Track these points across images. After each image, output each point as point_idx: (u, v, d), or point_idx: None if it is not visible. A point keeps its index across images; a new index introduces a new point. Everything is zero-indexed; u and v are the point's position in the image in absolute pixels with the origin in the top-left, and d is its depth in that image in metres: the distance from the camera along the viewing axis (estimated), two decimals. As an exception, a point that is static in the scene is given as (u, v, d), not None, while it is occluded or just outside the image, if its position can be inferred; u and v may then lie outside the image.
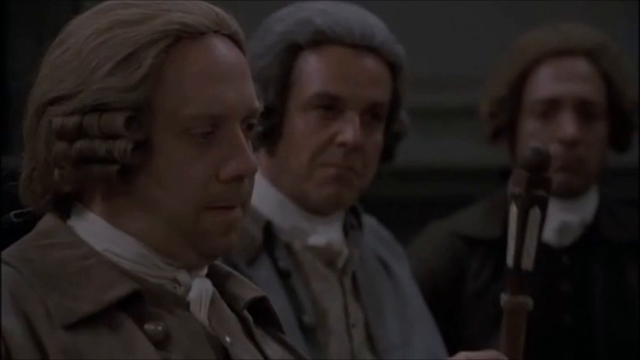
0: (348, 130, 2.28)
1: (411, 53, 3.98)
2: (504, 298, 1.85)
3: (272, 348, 1.74)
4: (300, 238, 2.37)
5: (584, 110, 2.83)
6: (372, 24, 2.33)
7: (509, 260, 1.86)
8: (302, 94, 2.33)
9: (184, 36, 1.61)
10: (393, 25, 3.88)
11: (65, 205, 1.67)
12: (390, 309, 2.41)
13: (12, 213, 1.71)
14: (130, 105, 1.60)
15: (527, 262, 1.86)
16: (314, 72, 2.31)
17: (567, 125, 2.80)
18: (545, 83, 2.84)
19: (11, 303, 1.58)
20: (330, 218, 2.37)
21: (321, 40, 2.30)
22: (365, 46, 2.29)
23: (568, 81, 2.83)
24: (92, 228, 1.65)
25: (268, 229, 2.29)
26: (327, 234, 2.36)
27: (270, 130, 2.35)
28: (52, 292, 1.59)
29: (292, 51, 2.31)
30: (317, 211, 2.36)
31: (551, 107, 2.83)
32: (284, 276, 2.32)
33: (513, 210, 1.85)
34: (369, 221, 2.54)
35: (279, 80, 2.33)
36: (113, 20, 1.62)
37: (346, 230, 2.43)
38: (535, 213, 1.85)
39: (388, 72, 2.33)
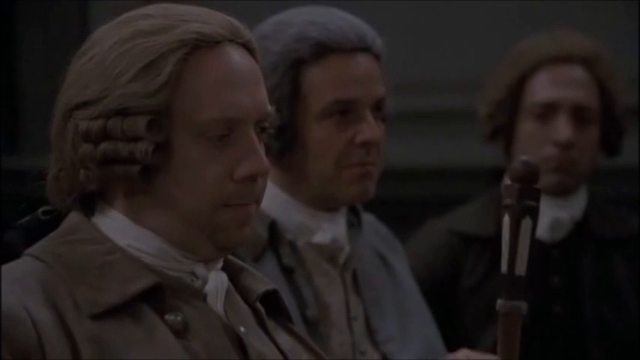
0: (366, 128, 2.31)
1: (411, 57, 3.92)
2: (499, 302, 1.87)
3: (282, 337, 1.77)
4: (305, 236, 2.37)
5: (578, 115, 2.85)
6: (359, 25, 2.35)
7: (504, 267, 1.89)
8: (316, 105, 2.35)
9: (201, 45, 1.64)
10: (394, 30, 3.94)
11: (89, 203, 1.70)
12: (388, 302, 2.42)
13: (40, 210, 1.74)
14: (151, 109, 1.63)
15: (521, 268, 1.89)
16: (323, 82, 2.32)
17: (562, 128, 2.83)
18: (542, 88, 2.86)
19: (43, 295, 1.61)
20: (335, 214, 2.39)
21: (322, 51, 2.31)
22: (360, 48, 2.31)
23: (564, 86, 2.85)
24: (115, 224, 1.68)
25: (273, 227, 2.31)
26: (332, 230, 2.38)
27: (286, 145, 2.37)
28: (79, 284, 1.63)
29: (297, 67, 2.33)
30: (318, 206, 2.37)
31: (547, 110, 2.85)
32: (288, 272, 2.34)
33: (506, 220, 1.89)
34: (368, 218, 2.55)
35: (292, 97, 2.35)
36: (135, 30, 1.65)
37: (348, 226, 2.44)
38: (526, 222, 1.89)
39: (378, 66, 2.36)
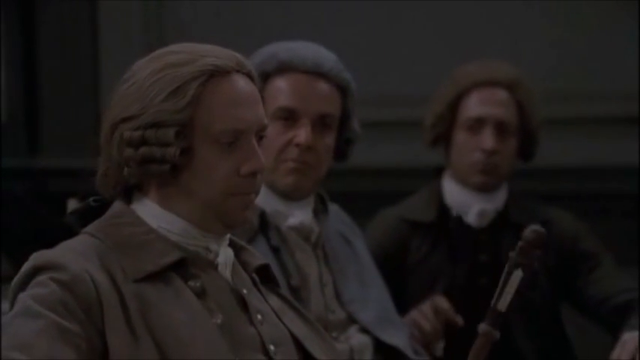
0: (302, 134, 2.36)
1: (378, 78, 3.92)
2: (481, 325, 1.95)
3: (273, 299, 1.93)
4: (282, 220, 2.41)
5: (501, 128, 2.90)
6: (322, 56, 2.40)
7: (493, 300, 1.95)
8: (270, 109, 2.36)
9: (216, 74, 1.81)
10: (358, 55, 3.83)
11: (129, 194, 1.87)
12: (351, 272, 2.47)
13: (90, 199, 1.91)
14: (178, 122, 1.80)
15: (503, 305, 1.95)
16: (277, 92, 2.38)
17: (488, 139, 2.89)
18: (473, 105, 2.92)
19: (99, 263, 1.78)
20: (302, 204, 2.43)
21: (283, 68, 2.38)
22: (316, 73, 2.37)
23: (491, 105, 2.91)
24: (149, 211, 1.85)
25: (262, 216, 2.37)
26: (300, 216, 2.42)
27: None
28: (124, 256, 1.80)
29: (264, 78, 2.34)
30: (286, 196, 2.42)
31: (477, 124, 2.91)
32: (275, 251, 2.38)
33: (506, 266, 1.96)
34: (333, 207, 2.58)
35: None
36: (164, 63, 1.82)
37: (316, 214, 2.48)
38: (517, 273, 1.95)
39: (337, 92, 2.40)
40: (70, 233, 1.85)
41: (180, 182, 1.82)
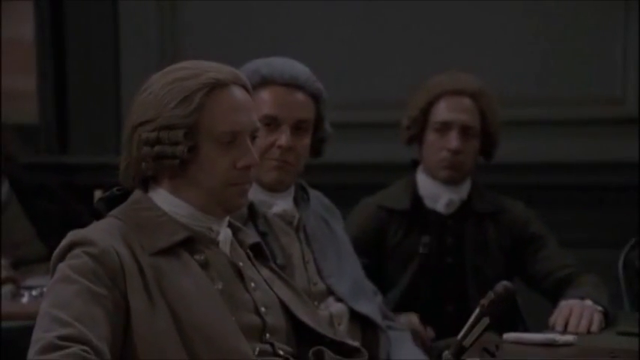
0: (283, 137, 2.42)
1: (361, 85, 3.99)
2: (445, 353, 1.99)
3: (264, 271, 2.04)
4: (267, 208, 2.44)
5: (465, 131, 2.96)
6: (297, 70, 2.44)
7: (460, 336, 1.99)
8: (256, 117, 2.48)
9: (217, 86, 1.91)
10: (345, 66, 3.97)
11: (146, 184, 1.96)
12: (329, 250, 2.51)
13: (115, 189, 1.98)
14: (186, 125, 1.89)
15: (468, 342, 1.99)
16: (260, 102, 2.41)
17: (453, 140, 2.95)
18: (442, 111, 2.97)
19: (122, 239, 1.88)
20: (284, 194, 2.47)
21: (264, 82, 2.42)
22: (292, 85, 2.42)
23: (456, 111, 2.96)
24: (162, 198, 1.95)
25: (251, 206, 2.39)
26: (282, 205, 2.46)
27: None
28: (142, 234, 1.90)
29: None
30: (270, 189, 2.46)
31: (444, 127, 2.96)
32: (262, 235, 2.39)
33: (476, 310, 2.00)
34: (315, 193, 2.61)
35: None
36: (175, 77, 1.92)
37: (297, 201, 2.51)
38: (485, 320, 1.99)
39: (311, 100, 2.44)
40: (98, 216, 1.96)
41: (187, 174, 1.92)
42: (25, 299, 3.04)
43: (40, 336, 1.77)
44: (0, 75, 4.41)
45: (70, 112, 4.40)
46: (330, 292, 2.44)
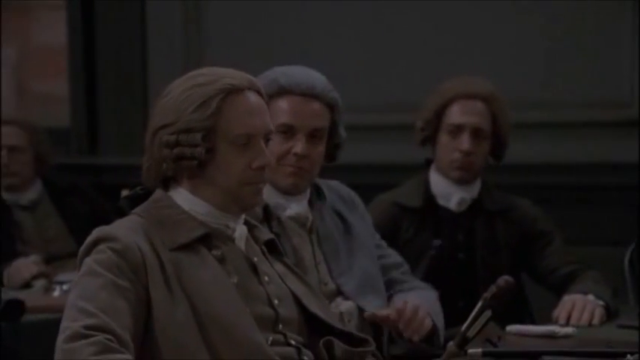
0: (298, 145, 2.43)
1: (380, 89, 4.04)
2: (450, 344, 2.07)
3: (278, 266, 2.08)
4: (281, 211, 2.45)
5: (476, 134, 2.99)
6: (314, 80, 2.45)
7: (464, 327, 2.07)
8: (272, 123, 2.48)
9: (233, 91, 1.95)
10: (364, 71, 3.99)
11: (167, 184, 2.01)
12: (342, 249, 2.51)
13: (138, 188, 2.02)
14: (204, 128, 1.93)
15: (472, 333, 2.06)
16: (278, 111, 2.42)
17: (465, 142, 2.98)
18: (455, 114, 3.00)
19: (144, 236, 1.93)
20: (299, 197, 2.49)
21: (282, 92, 2.43)
22: (309, 95, 2.43)
23: (469, 114, 2.99)
24: (182, 197, 1.99)
25: (266, 208, 2.38)
26: (296, 208, 2.47)
27: None
28: (163, 231, 1.95)
29: (267, 100, 2.36)
30: (286, 192, 2.47)
31: (457, 129, 2.99)
32: (276, 236, 2.33)
33: (479, 303, 2.08)
34: (333, 184, 2.60)
35: None
36: (193, 83, 1.96)
37: (312, 203, 2.51)
38: (487, 313, 2.06)
39: (326, 109, 2.46)
40: (122, 214, 2.00)
41: (205, 175, 1.96)
42: (56, 293, 3.10)
43: (67, 325, 1.84)
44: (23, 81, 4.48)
45: (99, 115, 4.46)
46: (339, 291, 2.46)
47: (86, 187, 3.89)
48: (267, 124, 1.99)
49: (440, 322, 2.48)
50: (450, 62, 3.92)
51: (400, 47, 4.11)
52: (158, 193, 2.01)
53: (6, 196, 3.74)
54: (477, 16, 3.99)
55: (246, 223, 2.05)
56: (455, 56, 3.96)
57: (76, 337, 1.80)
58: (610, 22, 3.81)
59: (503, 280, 2.09)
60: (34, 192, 3.74)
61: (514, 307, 2.94)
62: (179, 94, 1.96)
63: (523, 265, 3.05)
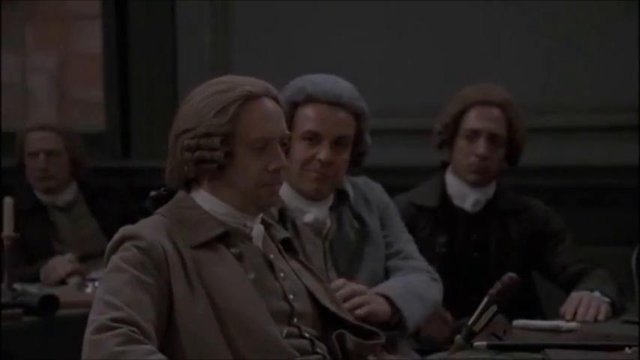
0: (323, 152, 2.47)
1: (404, 95, 4.06)
2: (458, 337, 2.12)
3: (293, 263, 2.11)
4: (299, 216, 2.45)
5: (492, 139, 3.02)
6: (341, 89, 2.47)
7: (470, 321, 2.12)
8: (299, 130, 2.49)
9: (250, 98, 1.99)
10: (387, 79, 4.01)
11: (188, 185, 2.04)
12: (354, 255, 2.52)
13: (161, 189, 2.06)
14: (223, 133, 1.97)
15: (478, 327, 2.11)
16: (304, 118, 2.48)
17: (481, 147, 3.01)
18: (472, 120, 3.03)
19: (166, 234, 1.96)
20: (320, 203, 2.52)
21: (309, 100, 2.47)
22: (335, 103, 2.46)
23: (485, 120, 3.02)
24: (202, 197, 2.02)
25: (282, 211, 2.35)
26: (316, 213, 2.50)
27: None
28: (184, 230, 1.98)
29: (293, 106, 2.49)
30: (308, 197, 2.50)
31: (474, 134, 3.03)
32: None
33: (485, 298, 2.13)
34: (360, 180, 2.62)
35: (288, 123, 2.35)
36: (213, 90, 2.00)
37: (333, 208, 2.54)
38: (493, 308, 2.13)
39: (352, 117, 2.48)
40: (147, 214, 2.05)
41: (224, 177, 2.00)
42: (89, 290, 3.14)
43: (94, 318, 1.89)
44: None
45: (132, 120, 4.49)
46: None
47: (118, 188, 3.94)
48: (283, 129, 2.03)
49: (407, 305, 2.43)
50: (463, 71, 3.92)
51: (423, 61, 4.12)
52: (180, 194, 2.04)
53: (43, 197, 3.79)
54: (489, 25, 4.01)
55: (263, 222, 2.09)
56: (466, 65, 3.99)
57: (103, 329, 1.85)
58: (613, 31, 3.82)
59: (508, 277, 2.15)
60: (69, 194, 3.80)
61: (525, 304, 2.95)
62: (200, 101, 2.00)
63: (535, 263, 3.08)
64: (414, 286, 2.52)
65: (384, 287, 2.46)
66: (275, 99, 2.04)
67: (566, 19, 3.88)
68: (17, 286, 3.06)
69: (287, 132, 2.03)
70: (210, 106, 1.98)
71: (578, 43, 3.85)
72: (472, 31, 4.02)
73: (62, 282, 3.41)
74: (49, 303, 2.84)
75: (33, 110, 4.82)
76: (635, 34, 3.73)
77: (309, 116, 2.46)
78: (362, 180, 2.64)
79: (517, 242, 3.04)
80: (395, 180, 3.66)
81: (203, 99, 2.00)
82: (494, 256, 3.02)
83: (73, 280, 3.35)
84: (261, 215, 2.07)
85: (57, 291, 3.03)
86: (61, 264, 3.45)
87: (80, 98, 4.81)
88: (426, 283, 2.56)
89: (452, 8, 4.04)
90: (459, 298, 2.98)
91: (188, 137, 1.98)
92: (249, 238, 2.04)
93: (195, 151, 1.98)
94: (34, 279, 3.44)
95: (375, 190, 2.65)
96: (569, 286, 2.87)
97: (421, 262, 2.63)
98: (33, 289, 3.15)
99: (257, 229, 2.06)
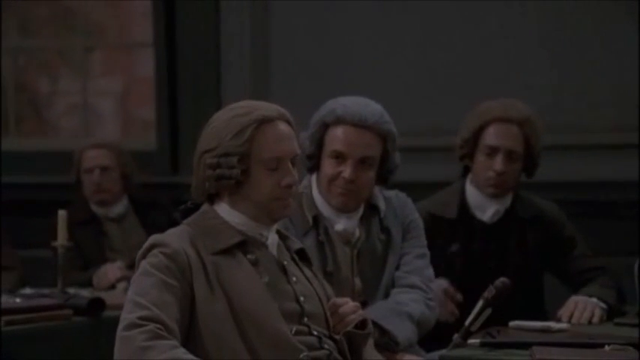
0: (347, 171, 2.51)
1: (425, 115, 4.14)
2: (456, 335, 2.16)
3: (307, 271, 2.18)
4: (331, 224, 2.53)
5: (510, 155, 3.00)
6: (369, 112, 2.51)
7: (467, 322, 2.17)
8: (327, 149, 2.56)
9: (265, 121, 2.08)
10: (413, 101, 4.08)
11: (211, 199, 2.13)
12: (378, 266, 2.57)
13: (188, 203, 2.14)
14: (240, 153, 2.06)
15: (475, 327, 2.18)
16: (333, 138, 2.53)
17: (498, 163, 2.99)
18: (491, 136, 3.01)
19: (190, 242, 2.05)
20: (351, 214, 2.56)
21: (338, 121, 2.52)
22: (361, 125, 2.51)
23: (504, 138, 3.00)
24: (223, 209, 2.11)
25: (316, 217, 2.50)
26: (345, 223, 2.55)
27: (313, 166, 2.62)
28: (206, 238, 2.07)
29: (324, 126, 2.57)
30: (337, 210, 2.56)
31: (492, 150, 3.01)
32: (320, 244, 2.52)
33: (479, 302, 2.20)
34: (392, 194, 2.63)
35: (317, 141, 2.59)
36: (232, 114, 2.09)
37: (362, 219, 2.56)
38: (487, 311, 2.20)
39: (378, 139, 2.52)
40: (176, 224, 2.14)
41: (242, 191, 2.10)
42: None
43: (124, 317, 1.99)
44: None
45: (180, 139, 4.56)
46: (364, 303, 2.52)
47: (165, 202, 3.97)
48: (294, 149, 2.10)
49: (391, 325, 2.45)
50: (476, 89, 3.89)
51: (445, 84, 4.11)
52: (205, 206, 2.13)
53: (97, 210, 3.90)
54: (506, 45, 4.04)
55: (278, 233, 2.18)
56: (484, 83, 3.98)
57: (132, 326, 1.95)
58: (618, 55, 3.85)
59: (500, 282, 2.25)
60: (121, 206, 3.90)
61: (530, 303, 2.98)
62: (220, 123, 2.08)
63: (549, 266, 3.07)
64: (395, 306, 2.54)
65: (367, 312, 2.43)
66: (288, 122, 2.12)
67: (577, 48, 3.89)
68: (70, 289, 3.17)
69: (298, 151, 2.11)
70: (229, 129, 2.06)
71: (590, 68, 3.87)
72: (494, 52, 4.03)
73: (112, 287, 3.52)
74: (97, 305, 2.94)
75: (100, 130, 4.95)
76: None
77: (336, 137, 2.52)
78: (394, 194, 2.67)
79: (534, 247, 3.02)
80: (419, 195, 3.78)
81: (223, 122, 2.08)
82: (513, 263, 3.00)
83: (122, 285, 3.45)
84: (275, 226, 2.16)
85: (106, 295, 3.11)
86: (111, 270, 3.55)
87: (144, 118, 4.91)
88: (413, 301, 2.57)
89: (474, 32, 4.05)
90: (474, 301, 2.94)
91: (210, 156, 2.07)
92: (265, 245, 2.12)
93: (215, 169, 2.06)
94: (88, 284, 3.56)
95: (405, 204, 2.67)
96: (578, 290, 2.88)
97: (422, 280, 2.62)
98: (85, 292, 3.23)
99: (272, 238, 2.14)
